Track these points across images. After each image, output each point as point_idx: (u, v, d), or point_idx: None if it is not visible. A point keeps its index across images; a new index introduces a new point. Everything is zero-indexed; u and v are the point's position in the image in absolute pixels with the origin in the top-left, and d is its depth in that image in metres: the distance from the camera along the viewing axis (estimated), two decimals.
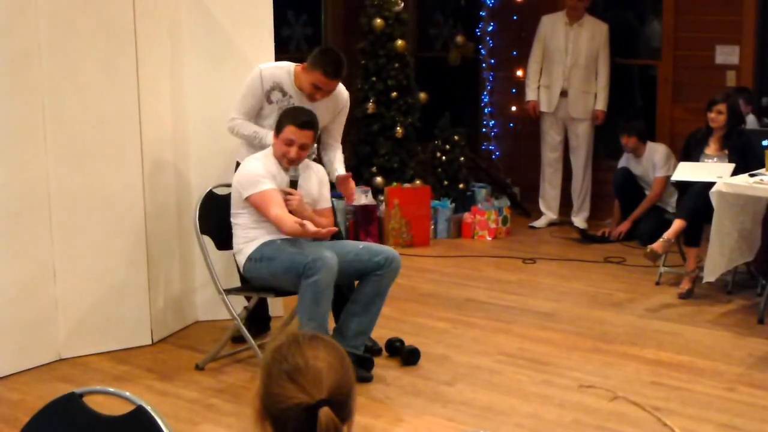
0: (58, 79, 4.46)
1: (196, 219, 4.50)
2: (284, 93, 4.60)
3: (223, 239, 4.60)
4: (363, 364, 4.40)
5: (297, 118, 4.29)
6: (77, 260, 4.60)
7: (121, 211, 4.69)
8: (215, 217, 4.58)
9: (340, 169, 4.75)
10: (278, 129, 4.30)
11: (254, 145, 4.59)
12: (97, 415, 2.04)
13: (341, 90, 4.72)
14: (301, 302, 4.15)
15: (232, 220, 4.41)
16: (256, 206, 4.28)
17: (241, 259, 4.38)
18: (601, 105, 7.39)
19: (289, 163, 4.33)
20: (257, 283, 4.45)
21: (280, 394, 1.66)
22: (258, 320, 4.80)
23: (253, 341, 4.43)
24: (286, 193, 4.32)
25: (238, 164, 4.65)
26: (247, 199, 4.30)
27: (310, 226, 4.15)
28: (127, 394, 2.06)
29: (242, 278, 4.62)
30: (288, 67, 4.65)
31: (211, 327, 5.10)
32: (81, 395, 2.06)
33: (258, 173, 4.29)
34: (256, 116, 4.66)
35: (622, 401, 4.03)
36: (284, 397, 1.66)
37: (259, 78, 4.60)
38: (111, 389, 2.13)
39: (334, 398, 1.66)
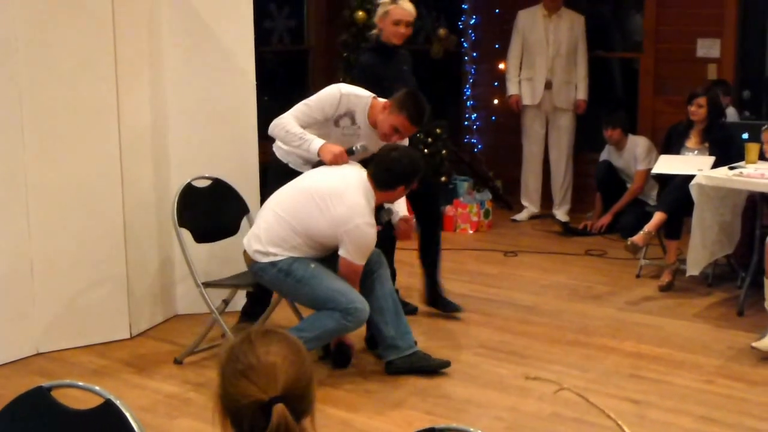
0: (35, 70, 4.42)
1: (175, 212, 4.47)
2: (354, 122, 4.45)
3: (202, 232, 4.59)
4: (340, 359, 4.40)
5: None
6: (55, 253, 4.57)
7: (99, 204, 4.66)
8: (194, 209, 4.55)
9: (402, 210, 4.61)
10: None
11: (294, 146, 4.39)
12: (65, 409, 2.02)
13: None
14: (315, 324, 4.09)
15: (291, 214, 4.14)
16: (345, 267, 4.10)
17: (262, 257, 4.15)
18: (582, 95, 7.44)
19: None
20: (262, 284, 4.32)
21: (235, 393, 1.66)
22: (259, 306, 4.73)
23: (231, 335, 4.41)
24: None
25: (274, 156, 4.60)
26: (343, 254, 4.09)
27: None
28: (97, 387, 2.03)
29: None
30: (367, 98, 4.46)
31: (190, 320, 5.08)
32: (49, 389, 2.04)
33: (372, 247, 4.18)
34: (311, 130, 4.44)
35: (603, 395, 4.06)
36: (240, 396, 1.66)
37: (337, 99, 4.39)
38: (80, 383, 2.11)
39: (290, 393, 1.66)
